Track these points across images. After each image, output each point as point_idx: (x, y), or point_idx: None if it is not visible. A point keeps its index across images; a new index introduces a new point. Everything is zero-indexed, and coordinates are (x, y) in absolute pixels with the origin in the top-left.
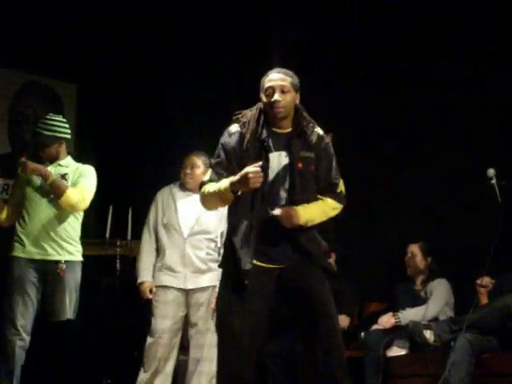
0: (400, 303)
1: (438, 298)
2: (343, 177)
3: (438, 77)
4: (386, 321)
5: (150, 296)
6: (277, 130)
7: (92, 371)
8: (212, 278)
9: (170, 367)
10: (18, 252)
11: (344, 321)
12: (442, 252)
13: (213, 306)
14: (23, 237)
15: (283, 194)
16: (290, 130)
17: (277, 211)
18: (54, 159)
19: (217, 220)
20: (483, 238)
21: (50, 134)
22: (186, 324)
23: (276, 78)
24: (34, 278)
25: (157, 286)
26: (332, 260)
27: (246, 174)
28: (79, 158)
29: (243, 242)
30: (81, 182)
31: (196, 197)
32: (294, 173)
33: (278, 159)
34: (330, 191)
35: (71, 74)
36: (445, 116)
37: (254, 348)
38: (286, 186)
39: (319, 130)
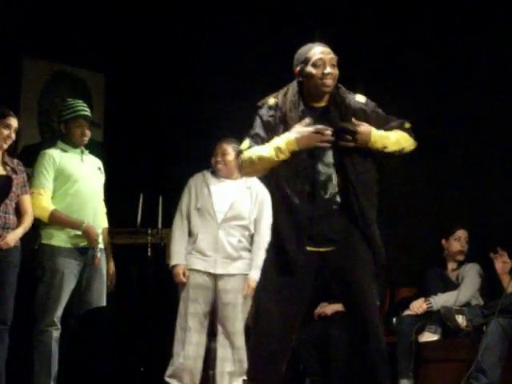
0: (431, 288)
1: (471, 283)
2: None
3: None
4: (418, 306)
5: (184, 279)
6: (313, 104)
7: (125, 359)
8: (242, 266)
9: (200, 351)
10: (58, 241)
11: None
12: (472, 236)
13: (245, 292)
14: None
15: (323, 169)
16: (325, 104)
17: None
18: (85, 145)
19: (251, 206)
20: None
21: (92, 116)
22: (214, 310)
23: (325, 51)
24: (75, 269)
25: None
26: None
27: (310, 133)
28: (108, 146)
29: (289, 227)
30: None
31: (229, 183)
32: (339, 146)
33: None
34: (396, 127)
35: (99, 63)
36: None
37: (291, 335)
38: (326, 160)
39: (361, 98)
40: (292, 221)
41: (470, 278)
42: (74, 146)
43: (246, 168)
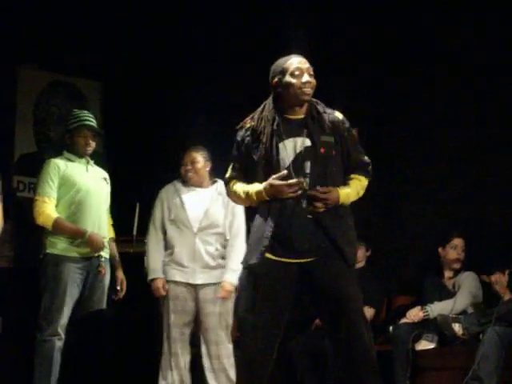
0: (427, 296)
1: (467, 291)
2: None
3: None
4: (415, 314)
5: (164, 292)
6: (290, 116)
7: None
8: (221, 274)
9: (186, 360)
10: (65, 250)
11: (368, 312)
12: (469, 244)
13: (220, 295)
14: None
15: (302, 181)
16: (303, 116)
17: (318, 188)
18: (90, 156)
19: (224, 212)
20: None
21: (97, 127)
22: (195, 321)
23: (302, 61)
24: (79, 278)
25: (167, 281)
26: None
27: (282, 187)
28: (105, 155)
29: (259, 237)
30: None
31: (201, 191)
32: (317, 158)
33: (293, 146)
34: (362, 170)
35: (96, 72)
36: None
37: (272, 344)
38: (304, 171)
39: (339, 115)
40: (260, 234)
41: (467, 287)
42: (79, 155)
43: (235, 201)
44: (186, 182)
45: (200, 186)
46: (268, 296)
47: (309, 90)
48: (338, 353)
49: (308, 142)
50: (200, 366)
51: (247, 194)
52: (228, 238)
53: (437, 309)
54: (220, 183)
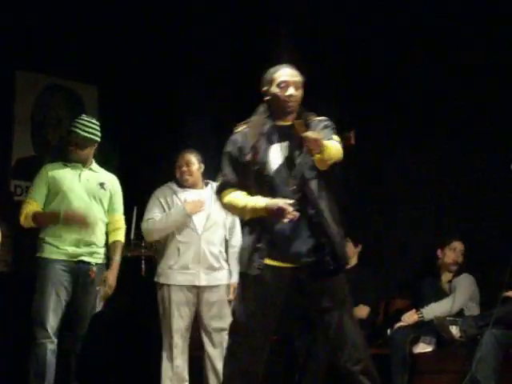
0: (425, 299)
1: (462, 292)
2: (370, 169)
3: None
4: (409, 317)
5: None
6: (279, 122)
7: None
8: (223, 276)
9: (186, 366)
10: (52, 254)
11: (363, 310)
12: (467, 247)
13: (231, 297)
14: (58, 238)
15: (290, 184)
16: (290, 123)
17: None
18: (84, 162)
19: (224, 214)
20: (509, 233)
21: (86, 135)
22: (196, 323)
23: (290, 73)
24: (66, 281)
25: (170, 285)
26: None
27: (281, 210)
28: (101, 159)
29: (254, 242)
30: (119, 210)
31: (198, 192)
32: (300, 162)
33: (282, 150)
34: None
35: (92, 75)
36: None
37: (266, 347)
38: (293, 174)
39: (322, 118)
40: (254, 239)
41: (462, 288)
42: (75, 161)
43: (227, 208)
44: (180, 184)
45: (195, 187)
46: (264, 300)
47: (292, 103)
48: (316, 354)
49: (294, 147)
50: (200, 368)
51: (245, 207)
52: (227, 238)
53: (431, 311)
54: (213, 184)
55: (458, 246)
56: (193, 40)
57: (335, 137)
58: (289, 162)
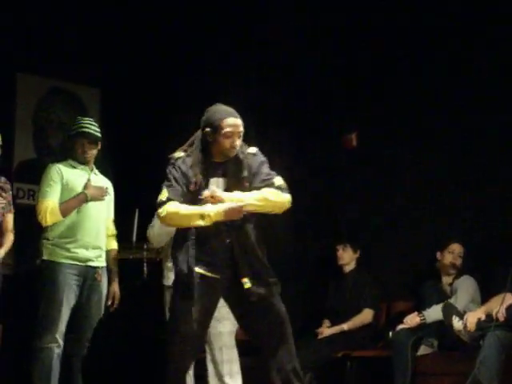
0: (426, 301)
1: (464, 294)
2: (371, 172)
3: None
4: (411, 319)
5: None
6: (214, 160)
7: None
8: None
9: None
10: (61, 257)
11: (368, 313)
12: (467, 249)
13: None
14: (67, 241)
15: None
16: (224, 160)
17: (206, 192)
18: (90, 164)
19: None
20: (509, 234)
21: (98, 134)
22: None
23: (237, 123)
24: (74, 285)
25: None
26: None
27: (234, 209)
28: (103, 162)
29: (183, 253)
30: (112, 215)
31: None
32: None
33: (219, 184)
34: (270, 186)
35: (94, 78)
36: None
37: (196, 349)
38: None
39: (252, 150)
40: (184, 248)
41: (464, 290)
42: (81, 162)
43: (170, 220)
44: None
45: None
46: (197, 309)
47: (233, 152)
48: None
49: (226, 181)
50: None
51: (195, 213)
52: None
53: (434, 313)
54: None
55: (456, 248)
56: (193, 41)
57: (277, 179)
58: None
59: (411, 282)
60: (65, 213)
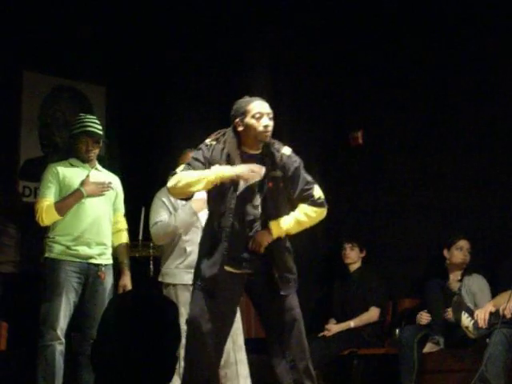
0: (432, 299)
1: (483, 297)
2: (374, 170)
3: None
4: (425, 318)
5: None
6: (247, 151)
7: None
8: None
9: None
10: (62, 254)
11: (375, 311)
12: (475, 246)
13: None
14: (67, 239)
15: (251, 210)
16: (259, 151)
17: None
18: (93, 162)
19: None
20: None
21: (101, 132)
22: None
23: (264, 105)
24: (76, 282)
25: (176, 285)
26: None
27: (252, 169)
28: (109, 160)
29: (211, 251)
30: (122, 209)
31: (199, 192)
32: (265, 191)
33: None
34: (305, 199)
35: (100, 76)
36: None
37: (220, 347)
38: (255, 202)
39: (287, 151)
40: (213, 251)
41: (482, 292)
42: (83, 161)
43: (180, 183)
44: None
45: None
46: (221, 305)
47: (268, 133)
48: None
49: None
50: None
51: (203, 176)
52: None
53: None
54: None
55: (464, 244)
56: (198, 42)
57: (315, 189)
58: (251, 189)
59: (417, 280)
60: (61, 211)
